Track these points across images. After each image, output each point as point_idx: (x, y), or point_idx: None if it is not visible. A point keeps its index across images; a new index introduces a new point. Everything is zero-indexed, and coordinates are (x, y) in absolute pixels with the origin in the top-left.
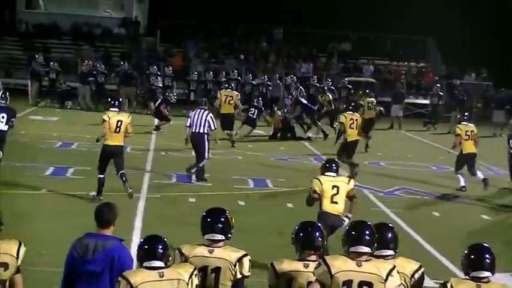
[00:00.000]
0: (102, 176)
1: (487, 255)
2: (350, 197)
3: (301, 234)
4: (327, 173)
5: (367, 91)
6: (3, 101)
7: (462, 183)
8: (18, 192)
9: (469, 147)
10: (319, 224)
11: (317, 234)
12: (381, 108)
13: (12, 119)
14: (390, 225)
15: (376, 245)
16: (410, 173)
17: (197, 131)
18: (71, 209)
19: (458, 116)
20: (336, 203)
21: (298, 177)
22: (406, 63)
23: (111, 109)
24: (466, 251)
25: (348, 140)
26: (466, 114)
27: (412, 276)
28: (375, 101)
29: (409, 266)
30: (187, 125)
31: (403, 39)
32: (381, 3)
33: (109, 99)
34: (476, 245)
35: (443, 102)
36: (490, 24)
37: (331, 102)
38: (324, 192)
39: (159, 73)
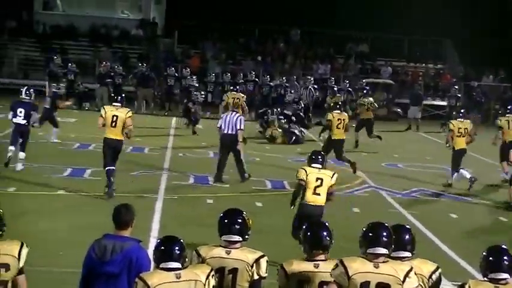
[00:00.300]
0: (109, 168)
1: (505, 257)
2: (330, 192)
3: (309, 234)
4: (312, 165)
5: (364, 92)
6: (27, 97)
7: (451, 180)
8: (36, 192)
9: (461, 144)
10: (327, 224)
11: (325, 233)
12: (398, 110)
13: (31, 112)
14: (408, 226)
15: (393, 246)
16: (427, 174)
17: (229, 132)
18: (87, 210)
19: (479, 116)
20: (319, 194)
21: None
22: (423, 64)
23: (113, 104)
24: (484, 253)
25: (333, 138)
26: (461, 111)
27: (430, 277)
28: (374, 102)
29: (427, 267)
30: (218, 126)
31: (421, 41)
32: (398, 4)
33: (112, 94)
34: (494, 246)
35: (460, 104)
36: (505, 24)
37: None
38: (308, 183)
39: (176, 74)
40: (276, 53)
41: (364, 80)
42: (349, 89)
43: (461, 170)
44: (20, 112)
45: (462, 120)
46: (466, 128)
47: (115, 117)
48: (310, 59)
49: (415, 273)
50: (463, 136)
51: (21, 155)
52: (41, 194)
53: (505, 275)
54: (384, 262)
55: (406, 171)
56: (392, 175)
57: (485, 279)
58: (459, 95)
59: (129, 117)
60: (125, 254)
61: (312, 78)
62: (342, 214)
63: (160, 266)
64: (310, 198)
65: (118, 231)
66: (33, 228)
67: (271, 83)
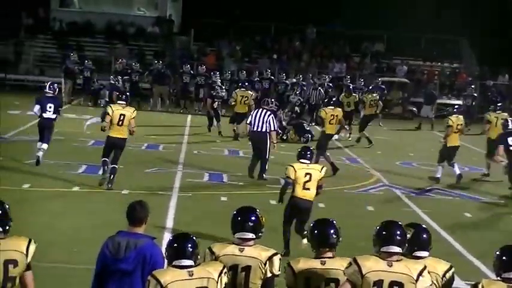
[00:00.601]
0: (105, 159)
1: None
2: (319, 185)
3: (315, 231)
4: (301, 160)
5: (367, 88)
6: (50, 91)
7: (439, 175)
8: (50, 189)
9: (455, 140)
10: (334, 222)
11: (331, 231)
12: (414, 109)
13: (60, 109)
14: (424, 226)
15: (414, 247)
16: (442, 173)
17: (258, 129)
18: (101, 207)
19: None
20: (308, 189)
21: (329, 178)
22: (439, 63)
23: (118, 102)
24: (497, 252)
25: (327, 133)
26: (456, 106)
27: (444, 276)
28: (378, 98)
29: (440, 266)
30: (248, 122)
31: (437, 40)
32: (414, 3)
33: (118, 94)
34: (507, 246)
35: (476, 103)
36: None
37: (357, 104)
38: (297, 178)
39: (192, 72)
40: (291, 51)
41: (379, 79)
42: (362, 87)
43: (454, 165)
44: (50, 107)
45: (457, 116)
46: (461, 124)
47: (122, 116)
48: (326, 57)
49: (429, 272)
50: (458, 132)
51: (45, 146)
52: (56, 190)
53: None
54: (397, 261)
55: (421, 170)
56: (407, 174)
57: (499, 278)
58: (475, 94)
59: (134, 117)
60: (139, 251)
61: (327, 77)
62: (356, 213)
63: (173, 263)
64: (300, 193)
65: (132, 228)
66: (47, 225)
67: (287, 81)
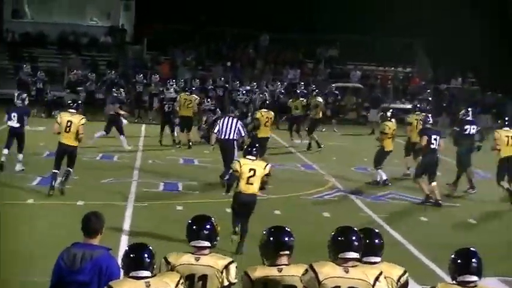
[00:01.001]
0: (55, 171)
1: (473, 260)
2: (264, 181)
3: (271, 238)
4: (247, 156)
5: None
6: (18, 101)
7: (385, 177)
8: (3, 202)
9: (390, 145)
10: (287, 227)
11: (287, 234)
12: (368, 114)
13: (25, 117)
14: (377, 230)
15: (366, 252)
16: (396, 178)
17: (226, 137)
18: (56, 219)
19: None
20: (252, 184)
21: (285, 184)
22: (392, 68)
23: (68, 110)
24: (452, 255)
25: (259, 136)
26: (391, 110)
27: (398, 280)
28: (321, 101)
29: (395, 271)
30: (215, 131)
31: (390, 42)
32: (367, 6)
33: (69, 102)
34: (463, 249)
35: (431, 107)
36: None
37: (304, 108)
38: (241, 173)
39: (145, 81)
40: (245, 59)
41: (333, 85)
42: (336, 91)
43: (379, 170)
44: (14, 116)
45: (392, 121)
46: (395, 129)
47: (69, 123)
48: (280, 64)
49: (385, 277)
50: (392, 138)
51: (20, 156)
52: (9, 203)
53: (473, 278)
54: (353, 266)
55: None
56: (361, 179)
57: (454, 282)
58: (430, 99)
59: (82, 124)
60: (95, 262)
61: (279, 84)
62: (312, 219)
63: (130, 274)
64: (243, 187)
65: (87, 239)
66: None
67: (240, 88)
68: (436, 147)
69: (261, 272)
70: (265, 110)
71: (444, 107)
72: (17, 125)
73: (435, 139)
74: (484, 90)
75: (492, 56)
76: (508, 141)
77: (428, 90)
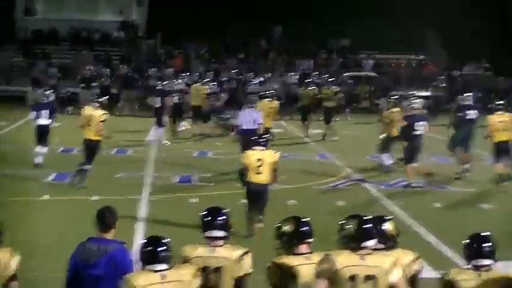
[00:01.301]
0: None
1: (487, 244)
2: (273, 169)
3: (296, 226)
4: (255, 147)
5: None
6: (45, 99)
7: (389, 162)
8: (17, 199)
9: (395, 132)
10: (307, 219)
11: (307, 223)
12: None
13: (54, 114)
14: (387, 217)
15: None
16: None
17: (249, 127)
18: (71, 214)
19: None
20: (260, 173)
21: (299, 174)
22: (405, 55)
23: (92, 104)
24: (467, 240)
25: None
26: (396, 97)
27: (412, 266)
28: (335, 91)
29: (407, 256)
30: (238, 123)
31: (403, 31)
32: None
33: (96, 96)
34: (476, 234)
35: (444, 94)
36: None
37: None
38: (250, 164)
39: (159, 75)
40: (258, 51)
41: (345, 74)
42: (349, 80)
43: (386, 155)
44: (44, 113)
45: (394, 110)
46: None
47: (90, 117)
48: (293, 55)
49: (399, 263)
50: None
51: (45, 149)
52: (25, 199)
53: (487, 261)
54: (368, 254)
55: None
56: (375, 167)
57: (469, 266)
58: (444, 85)
59: (102, 121)
60: (110, 256)
61: (290, 75)
62: (326, 208)
63: (146, 267)
64: (252, 178)
65: (102, 233)
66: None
67: (255, 80)
68: (422, 133)
69: (287, 260)
70: (269, 99)
71: (457, 93)
72: (47, 122)
73: (422, 125)
74: (498, 75)
75: (505, 42)
76: (501, 126)
77: (442, 77)
